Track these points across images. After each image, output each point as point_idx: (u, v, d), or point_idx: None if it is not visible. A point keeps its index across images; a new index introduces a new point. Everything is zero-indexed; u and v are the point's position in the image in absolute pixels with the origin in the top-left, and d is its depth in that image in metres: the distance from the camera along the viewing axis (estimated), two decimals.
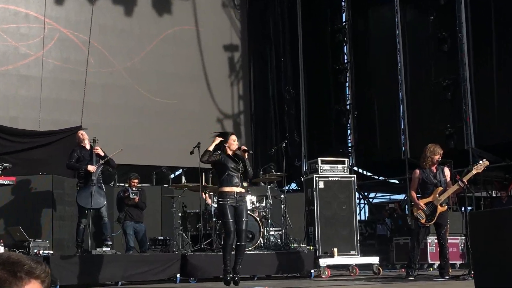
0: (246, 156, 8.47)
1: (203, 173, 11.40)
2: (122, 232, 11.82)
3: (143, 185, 14.14)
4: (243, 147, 8.59)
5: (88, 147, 10.51)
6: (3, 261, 2.06)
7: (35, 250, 9.54)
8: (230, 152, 8.45)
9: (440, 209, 9.57)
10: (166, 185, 14.55)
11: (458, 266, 13.62)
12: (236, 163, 8.39)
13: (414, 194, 9.78)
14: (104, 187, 10.58)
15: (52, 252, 10.03)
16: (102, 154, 10.43)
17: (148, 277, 9.87)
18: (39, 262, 2.08)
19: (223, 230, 9.87)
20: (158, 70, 17.42)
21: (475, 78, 15.68)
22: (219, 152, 8.40)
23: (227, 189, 8.35)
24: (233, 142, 8.50)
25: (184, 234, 11.34)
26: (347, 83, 19.24)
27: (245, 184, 10.00)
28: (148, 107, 17.08)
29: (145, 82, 17.15)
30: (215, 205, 10.26)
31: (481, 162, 9.60)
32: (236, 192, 8.34)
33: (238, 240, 8.37)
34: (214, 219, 10.98)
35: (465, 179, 9.37)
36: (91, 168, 10.21)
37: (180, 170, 18.12)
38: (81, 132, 10.88)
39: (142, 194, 11.92)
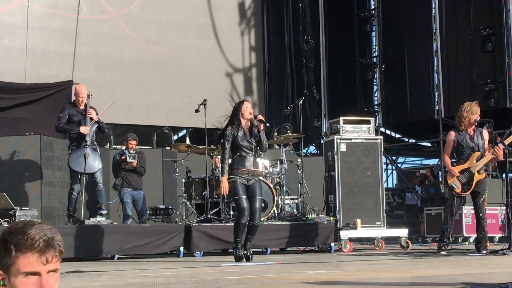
0: (262, 128, 8.48)
1: (210, 134, 11.40)
2: (118, 200, 11.89)
3: (142, 147, 14.19)
4: (260, 117, 8.59)
5: (83, 106, 10.46)
6: (7, 230, 2.11)
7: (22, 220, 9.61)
8: (243, 123, 8.45)
9: (477, 176, 9.52)
10: (168, 148, 14.58)
11: (497, 239, 13.65)
12: (249, 141, 8.41)
13: (448, 160, 9.73)
14: (99, 150, 10.59)
15: (40, 221, 10.08)
16: (96, 119, 10.36)
17: (148, 250, 9.95)
18: (42, 231, 2.09)
19: (233, 202, 9.92)
20: (158, 17, 17.30)
21: None
22: (230, 129, 8.40)
23: (237, 169, 8.48)
24: (246, 109, 8.50)
25: (188, 203, 11.39)
26: (373, 32, 19.10)
27: None
28: (147, 60, 17.02)
29: (143, 31, 17.04)
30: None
31: None
32: (248, 171, 8.45)
33: (252, 220, 8.46)
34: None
35: (506, 142, 9.32)
36: (83, 129, 10.20)
37: (184, 131, 18.18)
38: (83, 88, 10.55)
39: (141, 157, 11.95)
